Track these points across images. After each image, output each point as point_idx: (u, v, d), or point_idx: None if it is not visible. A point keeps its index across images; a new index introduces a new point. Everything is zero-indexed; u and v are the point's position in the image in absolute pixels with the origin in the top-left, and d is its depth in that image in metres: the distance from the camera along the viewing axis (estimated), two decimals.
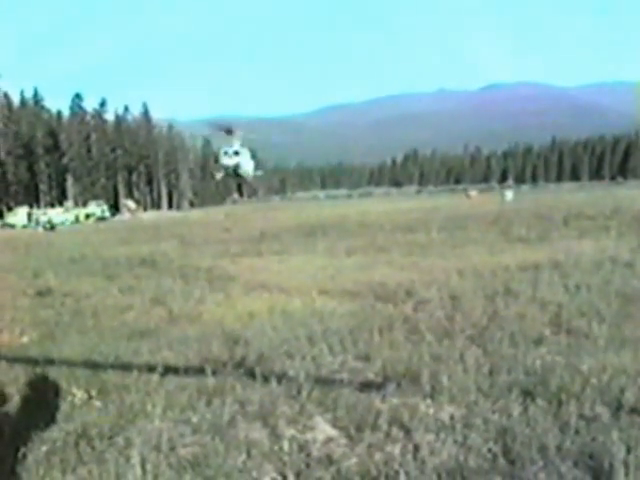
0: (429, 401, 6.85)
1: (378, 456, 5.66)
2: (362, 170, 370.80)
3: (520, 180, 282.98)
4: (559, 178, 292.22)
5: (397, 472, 5.30)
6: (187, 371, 8.16)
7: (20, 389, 7.78)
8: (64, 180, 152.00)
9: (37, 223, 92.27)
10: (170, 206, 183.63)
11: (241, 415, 6.73)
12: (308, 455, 5.78)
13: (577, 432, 5.75)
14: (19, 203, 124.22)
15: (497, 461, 5.40)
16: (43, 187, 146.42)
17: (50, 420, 6.70)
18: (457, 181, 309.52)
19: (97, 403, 7.25)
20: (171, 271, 20.59)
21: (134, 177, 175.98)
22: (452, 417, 6.39)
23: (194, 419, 6.68)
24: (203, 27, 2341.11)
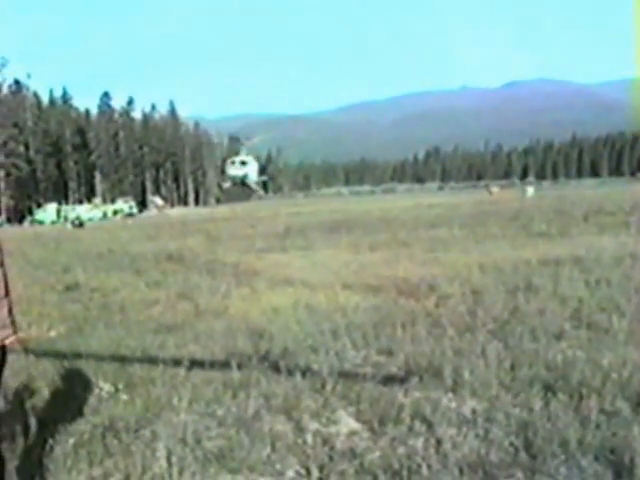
0: (451, 395, 6.87)
1: (401, 450, 5.67)
2: (385, 166, 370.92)
3: (541, 176, 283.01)
4: (579, 174, 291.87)
5: (419, 466, 5.31)
6: (213, 365, 8.22)
7: (48, 382, 7.88)
8: (92, 177, 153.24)
9: (66, 219, 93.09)
10: (197, 202, 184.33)
11: (266, 408, 6.77)
12: (332, 448, 5.80)
13: (598, 427, 5.75)
14: (48, 200, 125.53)
15: (519, 455, 5.41)
16: (72, 184, 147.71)
17: (78, 413, 6.80)
18: (479, 177, 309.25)
19: (124, 396, 7.31)
20: (197, 266, 20.65)
21: (161, 174, 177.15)
22: (474, 411, 6.41)
23: (219, 412, 6.74)
24: (229, 25, 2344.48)
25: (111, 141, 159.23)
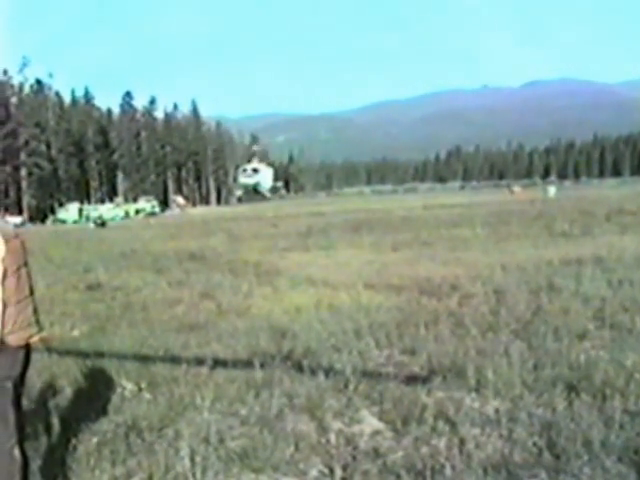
0: (474, 395, 6.85)
1: (424, 450, 5.65)
2: (407, 166, 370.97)
3: (562, 176, 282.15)
4: (601, 174, 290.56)
5: (443, 466, 5.29)
6: (235, 364, 8.23)
7: (71, 381, 7.92)
8: (114, 177, 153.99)
9: (88, 219, 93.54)
10: (218, 202, 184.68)
11: (289, 408, 6.77)
12: (355, 448, 5.79)
13: (621, 427, 5.71)
14: (70, 199, 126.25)
15: (542, 455, 5.38)
16: (94, 184, 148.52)
17: (101, 412, 6.82)
18: (500, 177, 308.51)
19: (147, 395, 7.33)
20: (220, 265, 20.71)
21: (183, 173, 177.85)
22: (497, 411, 6.39)
23: (243, 411, 6.74)
24: (251, 25, 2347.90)
25: (133, 140, 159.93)
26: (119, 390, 7.51)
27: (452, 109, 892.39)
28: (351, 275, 16.86)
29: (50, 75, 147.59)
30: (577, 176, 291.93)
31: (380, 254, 22.20)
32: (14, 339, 4.28)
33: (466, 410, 6.43)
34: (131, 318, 12.54)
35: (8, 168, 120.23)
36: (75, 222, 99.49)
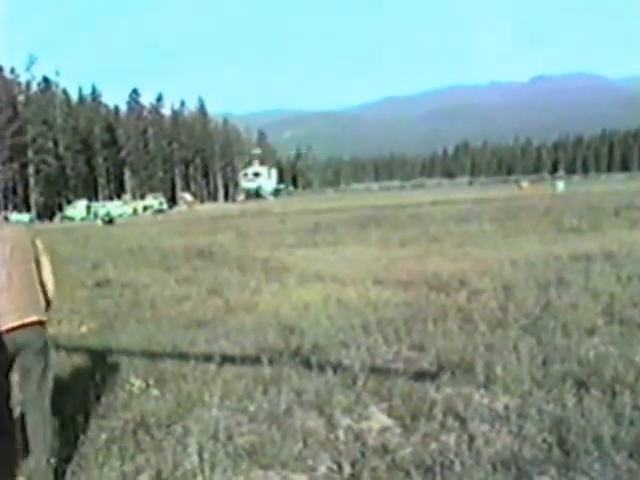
0: (483, 391, 6.83)
1: (433, 446, 5.65)
2: (414, 162, 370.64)
3: (571, 171, 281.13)
4: (609, 169, 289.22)
5: (452, 462, 5.28)
6: (244, 360, 8.22)
7: (79, 378, 7.93)
8: (122, 174, 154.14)
9: (96, 216, 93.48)
10: (226, 198, 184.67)
11: (297, 404, 6.77)
12: (364, 444, 5.79)
13: (632, 423, 5.70)
14: (78, 196, 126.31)
15: (552, 452, 5.36)
16: (101, 181, 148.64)
17: (109, 409, 6.82)
18: (508, 172, 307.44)
19: (155, 392, 7.32)
20: (228, 262, 20.67)
21: (191, 170, 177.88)
22: (506, 407, 6.37)
23: (251, 408, 6.74)
24: (257, 22, 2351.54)
25: (140, 138, 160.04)
26: (127, 387, 7.52)
27: (460, 104, 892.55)
28: (359, 271, 16.82)
29: (57, 73, 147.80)
30: (585, 171, 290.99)
31: (388, 250, 22.14)
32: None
33: (475, 406, 6.41)
34: (139, 315, 12.56)
35: (16, 165, 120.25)
36: (83, 219, 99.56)
